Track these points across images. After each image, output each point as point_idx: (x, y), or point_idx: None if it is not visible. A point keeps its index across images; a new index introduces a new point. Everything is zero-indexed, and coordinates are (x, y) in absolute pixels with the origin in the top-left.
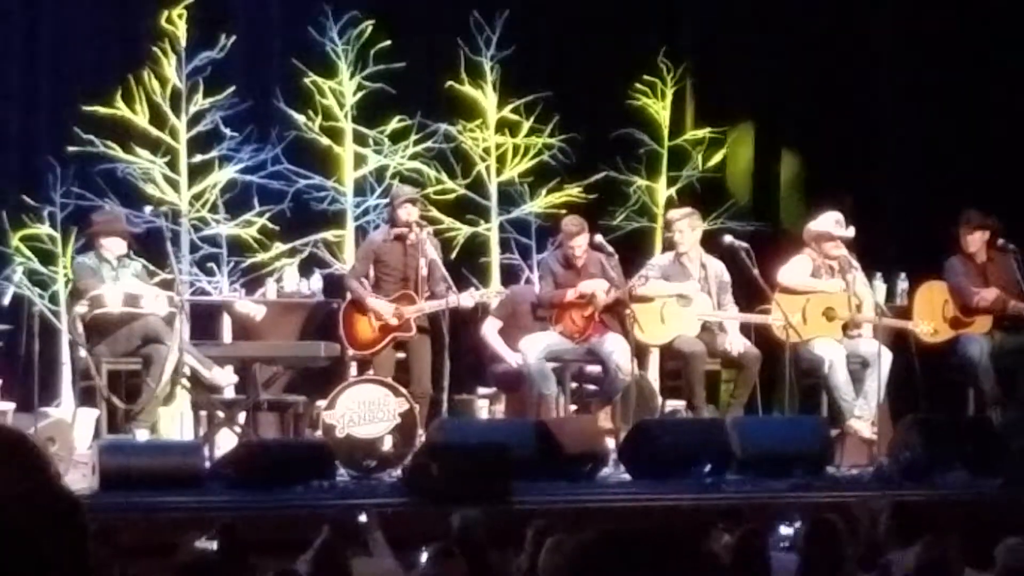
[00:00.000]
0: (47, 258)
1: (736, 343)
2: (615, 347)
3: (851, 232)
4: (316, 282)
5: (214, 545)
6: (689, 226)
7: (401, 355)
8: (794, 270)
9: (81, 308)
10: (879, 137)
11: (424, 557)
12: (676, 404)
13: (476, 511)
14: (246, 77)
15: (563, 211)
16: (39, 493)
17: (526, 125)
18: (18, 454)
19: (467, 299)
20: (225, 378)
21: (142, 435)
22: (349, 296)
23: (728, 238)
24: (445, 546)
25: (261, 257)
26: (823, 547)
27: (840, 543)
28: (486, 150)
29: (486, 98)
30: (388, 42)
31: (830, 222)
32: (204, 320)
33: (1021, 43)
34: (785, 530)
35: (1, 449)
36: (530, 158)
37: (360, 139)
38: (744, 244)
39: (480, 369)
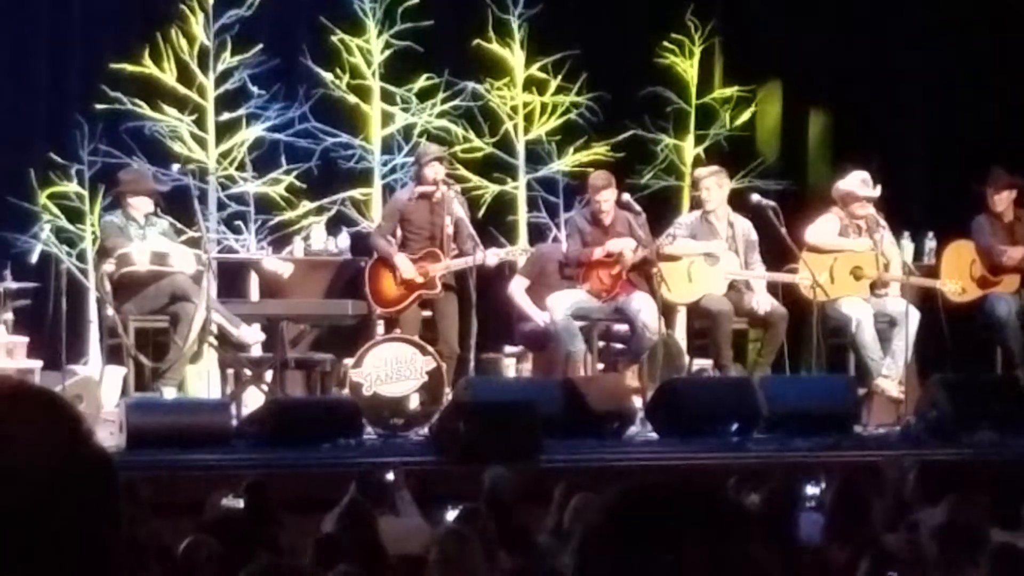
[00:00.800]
0: (75, 216)
1: (763, 302)
2: (642, 306)
3: (877, 191)
4: (343, 240)
5: (241, 503)
6: (717, 184)
7: (427, 313)
8: (821, 229)
9: (109, 267)
10: (907, 95)
11: (451, 515)
12: (703, 363)
13: (506, 469)
14: (274, 35)
15: (590, 170)
16: (70, 450)
17: (553, 83)
18: (47, 410)
19: (491, 257)
20: (253, 335)
21: (169, 393)
22: (375, 254)
23: (755, 197)
24: (473, 504)
25: (288, 215)
26: (850, 506)
27: (867, 502)
28: (513, 108)
29: (513, 56)
30: (416, 0)
31: (856, 182)
32: (231, 278)
33: None
34: (811, 489)
35: (30, 405)
36: (557, 116)
37: (387, 97)
38: (771, 203)
39: (507, 327)
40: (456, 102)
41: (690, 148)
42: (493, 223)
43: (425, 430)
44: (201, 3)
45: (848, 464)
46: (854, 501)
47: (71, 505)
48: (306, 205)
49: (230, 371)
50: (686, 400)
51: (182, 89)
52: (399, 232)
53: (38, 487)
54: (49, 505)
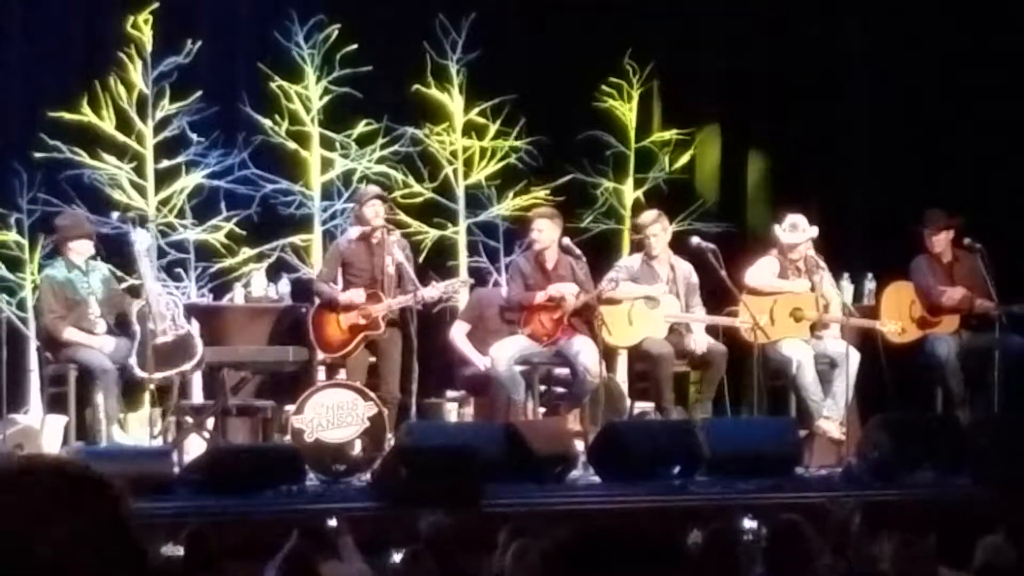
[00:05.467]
0: (14, 265)
1: (700, 342)
2: (583, 349)
3: (803, 236)
4: (284, 286)
5: (181, 551)
6: (662, 229)
7: (374, 359)
8: (760, 271)
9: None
10: (845, 138)
11: (394, 560)
12: (645, 406)
13: (443, 515)
14: (212, 82)
15: (530, 215)
16: (111, 536)
17: (493, 128)
18: (85, 492)
19: (431, 291)
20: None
21: (116, 433)
22: (317, 300)
23: (695, 239)
24: (415, 550)
25: (229, 262)
26: (787, 549)
27: (804, 544)
28: (453, 153)
29: (453, 101)
30: (354, 46)
31: (785, 226)
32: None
33: (986, 45)
34: (748, 523)
35: (66, 486)
36: (497, 161)
37: (327, 143)
38: (711, 245)
39: (448, 372)
40: (395, 147)
41: (630, 191)
42: (434, 268)
43: (367, 476)
44: (139, 51)
45: (790, 506)
46: (791, 544)
47: None
48: (246, 252)
49: (172, 418)
50: (628, 443)
51: (121, 137)
52: (340, 277)
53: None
54: None
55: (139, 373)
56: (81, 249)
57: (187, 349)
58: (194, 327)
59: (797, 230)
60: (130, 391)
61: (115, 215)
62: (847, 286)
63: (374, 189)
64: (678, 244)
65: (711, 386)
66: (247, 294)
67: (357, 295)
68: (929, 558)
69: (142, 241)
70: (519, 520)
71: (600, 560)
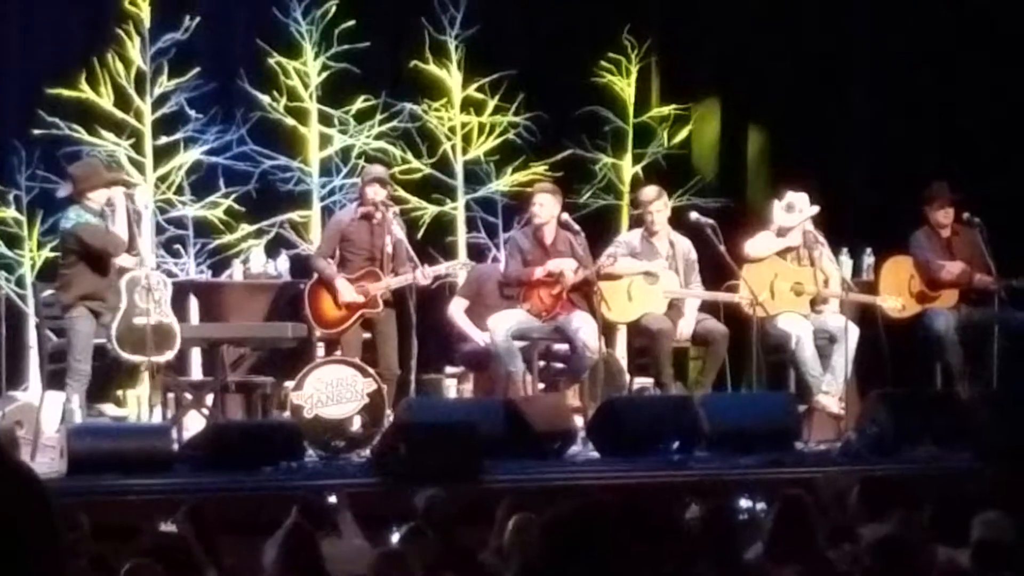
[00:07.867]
0: (13, 242)
1: (687, 326)
2: (582, 325)
3: (794, 219)
4: (283, 263)
5: (177, 528)
6: (664, 205)
7: (368, 335)
8: (760, 240)
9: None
10: (845, 112)
11: (394, 537)
12: (644, 381)
13: (440, 490)
14: (211, 58)
15: (529, 190)
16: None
17: (491, 103)
18: None
19: (426, 277)
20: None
21: (108, 408)
22: (315, 276)
23: (694, 215)
24: (415, 526)
25: (227, 239)
26: (792, 524)
27: (810, 520)
28: (451, 129)
29: (451, 77)
30: (352, 22)
31: (781, 206)
32: (171, 302)
33: (986, 19)
34: (744, 503)
35: None
36: (496, 136)
37: (325, 119)
38: (710, 221)
39: (447, 348)
40: (394, 123)
41: (628, 167)
42: (432, 244)
43: (367, 452)
44: (137, 27)
45: (789, 481)
46: (796, 518)
47: (7, 529)
48: (245, 228)
49: (171, 395)
50: (627, 419)
51: (119, 113)
52: (339, 253)
53: None
54: None
55: (115, 348)
56: (98, 197)
57: (165, 339)
58: (179, 313)
59: (793, 211)
60: (126, 368)
61: None
62: (846, 261)
63: (378, 171)
64: (676, 219)
65: (713, 368)
66: (246, 270)
67: (346, 290)
68: (925, 535)
69: (144, 202)
70: (518, 495)
71: (599, 534)
